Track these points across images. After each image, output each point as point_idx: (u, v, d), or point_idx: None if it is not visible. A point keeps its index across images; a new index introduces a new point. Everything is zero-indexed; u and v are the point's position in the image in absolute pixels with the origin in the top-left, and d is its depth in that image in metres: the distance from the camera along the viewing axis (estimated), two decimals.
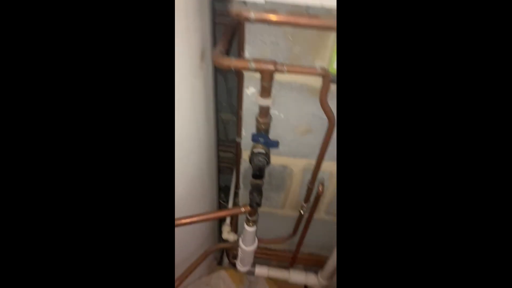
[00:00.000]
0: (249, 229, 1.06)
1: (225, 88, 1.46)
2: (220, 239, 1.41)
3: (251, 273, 1.35)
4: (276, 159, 0.94)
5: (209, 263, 1.59)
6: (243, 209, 0.98)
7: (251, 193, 0.89)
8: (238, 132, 0.91)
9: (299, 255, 1.36)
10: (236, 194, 1.54)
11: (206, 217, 0.95)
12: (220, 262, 1.69)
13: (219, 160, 1.78)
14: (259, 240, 1.26)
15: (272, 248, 1.42)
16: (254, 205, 0.88)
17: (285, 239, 1.26)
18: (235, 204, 1.39)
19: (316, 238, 1.28)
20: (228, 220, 1.30)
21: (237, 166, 1.04)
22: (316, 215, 1.14)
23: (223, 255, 1.72)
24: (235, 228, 1.33)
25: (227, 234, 1.26)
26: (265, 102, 0.70)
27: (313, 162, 0.91)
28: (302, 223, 1.17)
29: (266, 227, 1.26)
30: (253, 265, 1.34)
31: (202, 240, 1.29)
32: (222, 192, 2.00)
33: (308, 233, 1.22)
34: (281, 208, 1.16)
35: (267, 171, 0.99)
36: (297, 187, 1.04)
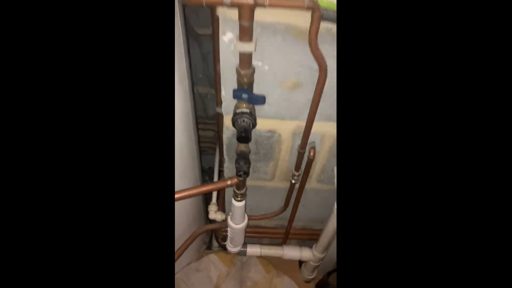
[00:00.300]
0: (238, 204, 0.97)
1: (200, 56, 1.33)
2: (208, 220, 1.32)
3: (242, 253, 1.27)
4: (262, 123, 0.85)
5: (198, 248, 1.50)
6: (229, 182, 0.88)
7: (237, 161, 0.79)
8: (217, 95, 0.80)
9: (291, 230, 1.29)
10: (220, 173, 1.45)
11: (189, 193, 0.85)
12: (209, 246, 1.61)
13: (200, 140, 1.66)
14: (249, 217, 1.18)
15: (263, 225, 1.35)
16: (242, 175, 0.79)
17: (276, 213, 1.19)
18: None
19: (308, 210, 1.21)
20: (214, 199, 1.20)
21: (219, 137, 0.93)
22: (308, 185, 1.07)
23: (212, 238, 1.63)
24: (222, 207, 1.24)
25: (214, 213, 1.17)
26: (246, 47, 0.60)
27: (303, 123, 0.82)
28: (294, 195, 1.09)
29: (255, 202, 1.18)
30: (244, 245, 1.26)
31: (188, 222, 1.19)
32: (206, 175, 1.90)
33: (300, 205, 1.15)
34: (271, 180, 1.07)
35: (253, 139, 0.89)
36: (286, 154, 0.95)
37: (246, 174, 0.79)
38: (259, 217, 1.20)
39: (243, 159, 0.79)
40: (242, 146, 0.82)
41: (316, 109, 0.76)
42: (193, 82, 1.51)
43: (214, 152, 1.55)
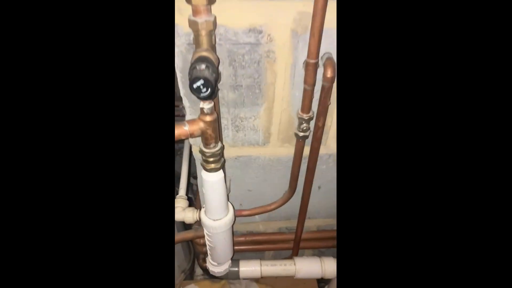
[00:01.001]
0: (211, 177, 0.57)
1: None
2: (182, 227, 0.89)
3: (234, 275, 0.83)
4: (235, 14, 0.48)
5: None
6: (187, 127, 0.49)
7: (192, 67, 0.41)
8: None
9: (304, 233, 0.87)
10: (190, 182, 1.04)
11: None
12: (190, 275, 1.15)
13: None
14: (237, 214, 0.76)
15: (261, 230, 0.92)
16: (202, 90, 0.40)
17: (279, 203, 0.77)
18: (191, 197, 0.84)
19: (327, 194, 0.80)
20: (182, 189, 0.78)
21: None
22: (324, 149, 0.68)
23: (194, 263, 1.18)
24: (199, 202, 0.83)
25: (183, 211, 0.75)
26: None
27: (308, 6, 0.46)
28: (304, 167, 0.69)
29: (244, 188, 0.77)
30: (236, 262, 0.83)
31: None
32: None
33: (315, 186, 0.75)
34: (265, 144, 0.68)
35: (225, 51, 0.52)
36: (286, 82, 0.57)
37: (209, 87, 0.40)
38: (252, 212, 0.78)
39: (203, 62, 0.41)
40: (203, 50, 0.45)
41: None
42: None
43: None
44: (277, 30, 0.50)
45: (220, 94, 0.58)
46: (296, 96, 0.59)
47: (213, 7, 0.46)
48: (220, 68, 0.54)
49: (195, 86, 0.40)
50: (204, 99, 0.44)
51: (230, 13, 0.48)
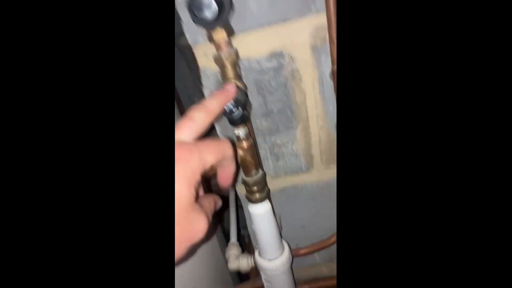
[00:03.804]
0: (258, 208, 0.54)
1: (187, 67, 1.08)
2: (236, 279, 0.83)
3: None
4: (255, 44, 0.51)
5: None
6: None
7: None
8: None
9: None
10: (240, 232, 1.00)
11: None
12: None
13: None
14: (294, 254, 0.70)
15: (326, 275, 0.81)
16: (235, 112, 0.40)
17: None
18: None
19: None
20: (233, 236, 0.74)
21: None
22: None
23: None
24: (251, 247, 0.77)
25: (236, 260, 0.70)
26: None
27: (322, 18, 0.47)
28: None
29: (297, 225, 0.71)
30: None
31: None
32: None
33: None
34: (309, 169, 0.64)
35: (252, 82, 0.54)
36: (316, 98, 0.56)
37: (240, 106, 0.40)
38: (310, 249, 0.70)
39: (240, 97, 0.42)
40: (230, 80, 0.47)
41: None
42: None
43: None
44: (296, 48, 0.51)
45: (254, 125, 0.58)
46: (330, 110, 0.57)
47: (234, 43, 0.49)
48: (250, 98, 0.55)
49: (227, 109, 0.40)
50: (237, 122, 0.44)
51: (250, 44, 0.50)
